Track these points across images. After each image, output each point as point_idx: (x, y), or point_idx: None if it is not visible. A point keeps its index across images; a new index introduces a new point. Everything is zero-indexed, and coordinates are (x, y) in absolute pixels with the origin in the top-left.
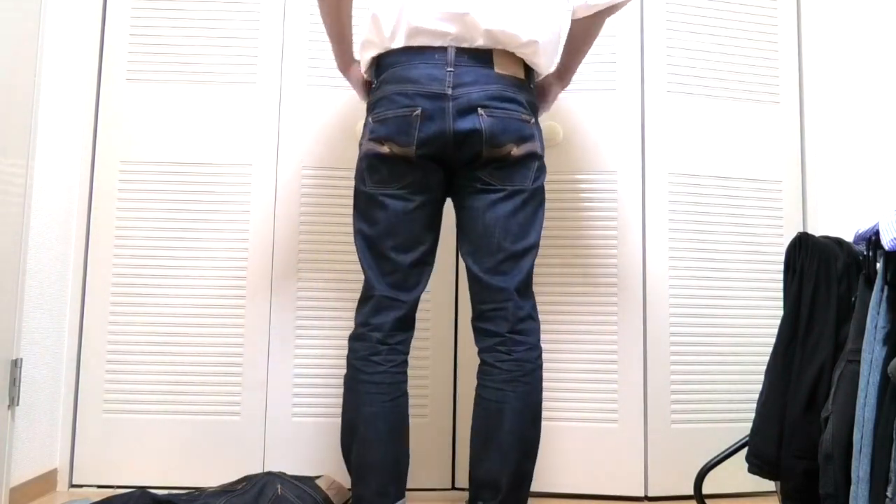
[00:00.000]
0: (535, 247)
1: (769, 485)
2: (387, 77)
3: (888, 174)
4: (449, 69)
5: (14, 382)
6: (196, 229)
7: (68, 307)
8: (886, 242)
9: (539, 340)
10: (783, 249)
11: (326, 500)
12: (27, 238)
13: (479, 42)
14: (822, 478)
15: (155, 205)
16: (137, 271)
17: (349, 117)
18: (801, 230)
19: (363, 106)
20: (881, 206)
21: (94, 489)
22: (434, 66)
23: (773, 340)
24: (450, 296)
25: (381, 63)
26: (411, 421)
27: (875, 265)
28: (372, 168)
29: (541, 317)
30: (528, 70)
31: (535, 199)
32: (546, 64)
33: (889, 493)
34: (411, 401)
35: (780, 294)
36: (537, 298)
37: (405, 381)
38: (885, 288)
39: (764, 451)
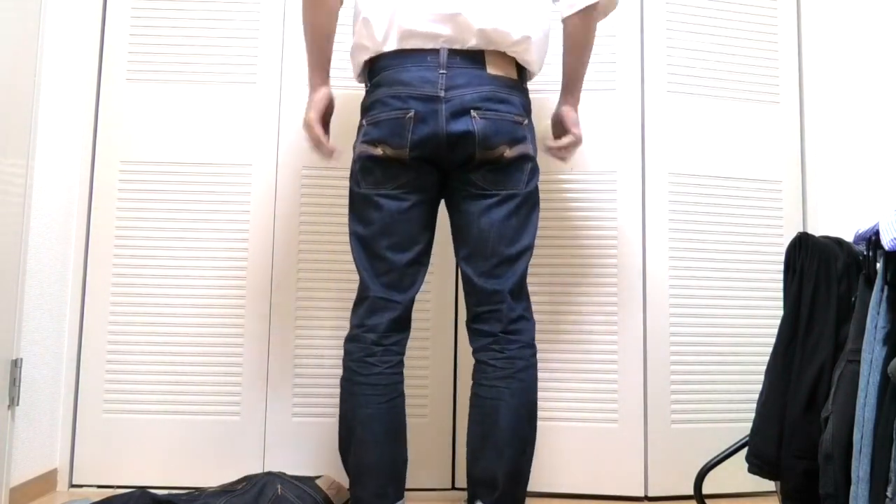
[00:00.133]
0: (529, 249)
1: (769, 485)
2: (380, 80)
3: (888, 174)
4: (441, 71)
5: (14, 382)
6: (196, 229)
7: (68, 307)
8: (886, 242)
9: (533, 339)
10: (783, 249)
11: (326, 500)
12: (27, 238)
13: (472, 42)
14: (822, 478)
15: (155, 205)
16: (137, 271)
17: (349, 117)
18: (801, 230)
19: None
20: (881, 206)
21: (94, 489)
22: (426, 68)
23: (773, 340)
24: (450, 296)
25: (374, 66)
26: (411, 421)
27: (875, 265)
28: (366, 170)
29: (541, 317)
30: (521, 70)
31: (529, 202)
32: (537, 61)
33: (889, 493)
34: (411, 401)
35: (780, 294)
36: (538, 298)
37: (401, 382)
38: (885, 288)
39: (764, 451)
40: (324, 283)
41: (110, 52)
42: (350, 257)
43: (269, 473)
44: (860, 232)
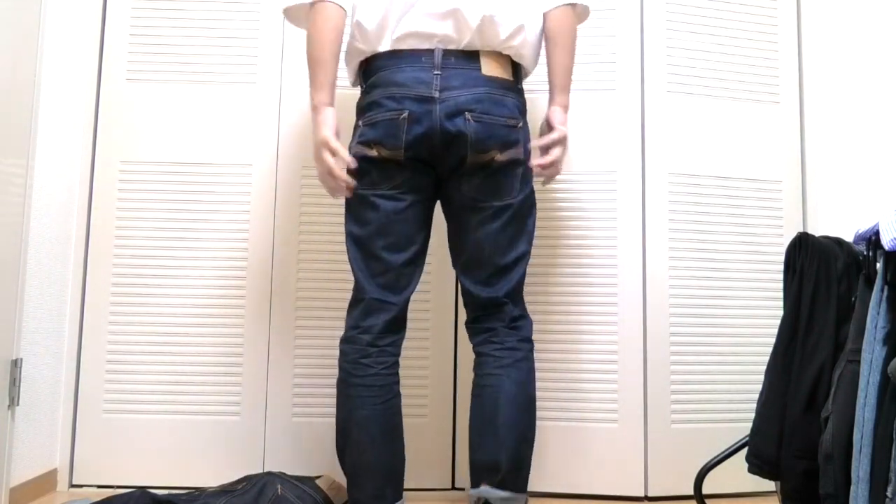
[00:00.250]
0: (525, 256)
1: (769, 485)
2: (375, 81)
3: (888, 174)
4: (436, 72)
5: (14, 382)
6: (196, 229)
7: (68, 307)
8: (886, 242)
9: (531, 334)
10: (783, 249)
11: (326, 500)
12: (27, 238)
13: (466, 42)
14: (822, 478)
15: (155, 205)
16: (137, 271)
17: (349, 117)
18: (801, 230)
19: None
20: (881, 206)
21: (94, 489)
22: (420, 68)
23: (773, 340)
24: (450, 296)
25: (369, 67)
26: (411, 421)
27: (875, 265)
28: (361, 171)
29: (541, 317)
30: (516, 70)
31: (523, 209)
32: (532, 57)
33: (889, 493)
34: (411, 401)
35: (780, 294)
36: (538, 298)
37: (397, 383)
38: (885, 288)
39: (764, 451)
40: (324, 282)
41: (110, 52)
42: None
43: (269, 473)
44: (860, 232)
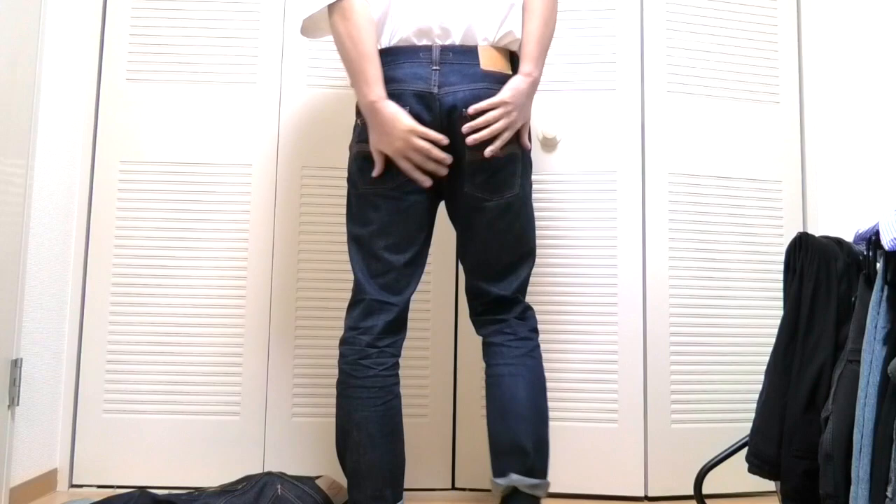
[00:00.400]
0: (533, 250)
1: (769, 485)
2: None
3: (888, 174)
4: (434, 68)
5: (14, 382)
6: (196, 229)
7: (68, 307)
8: (886, 242)
9: (537, 324)
10: (783, 249)
11: (326, 501)
12: (27, 238)
13: (463, 37)
14: (822, 478)
15: (155, 205)
16: (137, 271)
17: (349, 117)
18: (801, 230)
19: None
20: (881, 206)
21: (94, 489)
22: (419, 64)
23: (773, 340)
24: (450, 296)
25: None
26: (411, 421)
27: (875, 265)
28: (363, 169)
29: (541, 317)
30: (514, 64)
31: (526, 202)
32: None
33: (889, 493)
34: (411, 401)
35: (780, 294)
36: (539, 298)
37: (397, 384)
38: (885, 288)
39: (764, 450)
40: (324, 282)
41: (110, 52)
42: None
43: (269, 473)
44: (860, 232)
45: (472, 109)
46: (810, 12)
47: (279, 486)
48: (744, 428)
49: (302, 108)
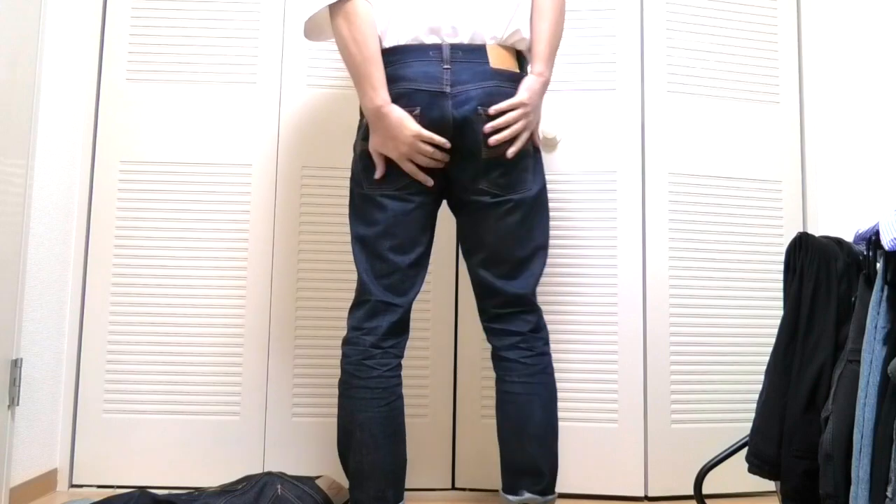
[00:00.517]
0: (545, 247)
1: (769, 485)
2: None
3: (888, 174)
4: (445, 66)
5: (14, 382)
6: (196, 229)
7: (68, 307)
8: (886, 242)
9: (548, 334)
10: (783, 249)
11: (326, 500)
12: (27, 238)
13: (472, 36)
14: (822, 478)
15: (155, 205)
16: (137, 271)
17: (349, 117)
18: (801, 230)
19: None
20: (881, 206)
21: (94, 489)
22: (429, 63)
23: (773, 340)
24: (450, 296)
25: None
26: (411, 421)
27: (875, 265)
28: (369, 169)
29: None
30: (521, 63)
31: (539, 200)
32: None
33: (889, 493)
34: (411, 401)
35: (780, 294)
36: (539, 297)
37: (400, 385)
38: (885, 288)
39: (764, 450)
40: (324, 282)
41: (110, 52)
42: (350, 257)
43: (269, 473)
44: (860, 232)
45: (493, 110)
46: (810, 12)
47: (279, 486)
48: (744, 428)
49: (302, 108)
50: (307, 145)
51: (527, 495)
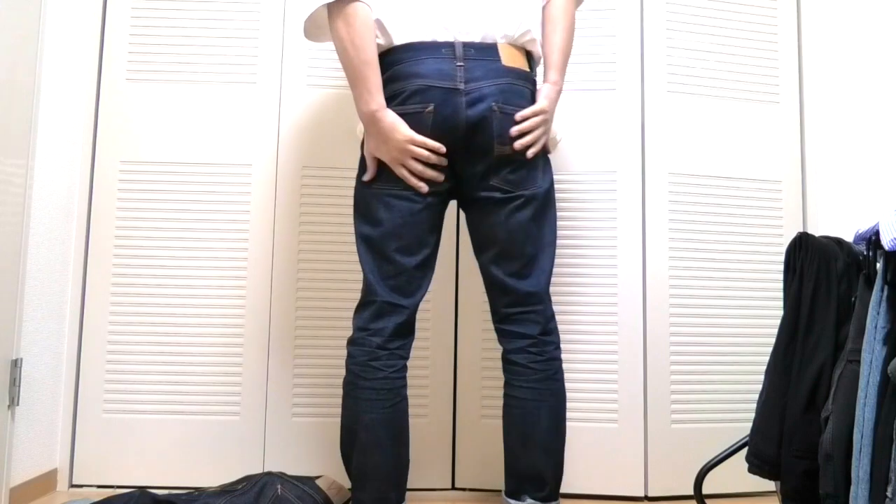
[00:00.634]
0: (554, 244)
1: (769, 485)
2: (392, 74)
3: (888, 174)
4: (459, 64)
5: (14, 382)
6: (196, 229)
7: (68, 307)
8: (886, 242)
9: (559, 337)
10: (783, 249)
11: (326, 501)
12: (27, 238)
13: (484, 34)
14: (822, 478)
15: (155, 205)
16: (137, 271)
17: (349, 117)
18: (801, 230)
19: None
20: (881, 206)
21: (94, 489)
22: (442, 60)
23: (773, 340)
24: (450, 297)
25: (384, 62)
26: (411, 421)
27: (875, 265)
28: (380, 167)
29: None
30: (530, 63)
31: (549, 197)
32: (538, 48)
33: (889, 493)
34: (412, 401)
35: (780, 294)
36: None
37: (405, 386)
38: (885, 288)
39: (764, 450)
40: (324, 282)
41: (110, 52)
42: (350, 257)
43: (269, 473)
44: (860, 232)
45: (519, 116)
46: (810, 12)
47: (279, 486)
48: (744, 428)
49: (302, 108)
50: (307, 145)
51: (529, 501)
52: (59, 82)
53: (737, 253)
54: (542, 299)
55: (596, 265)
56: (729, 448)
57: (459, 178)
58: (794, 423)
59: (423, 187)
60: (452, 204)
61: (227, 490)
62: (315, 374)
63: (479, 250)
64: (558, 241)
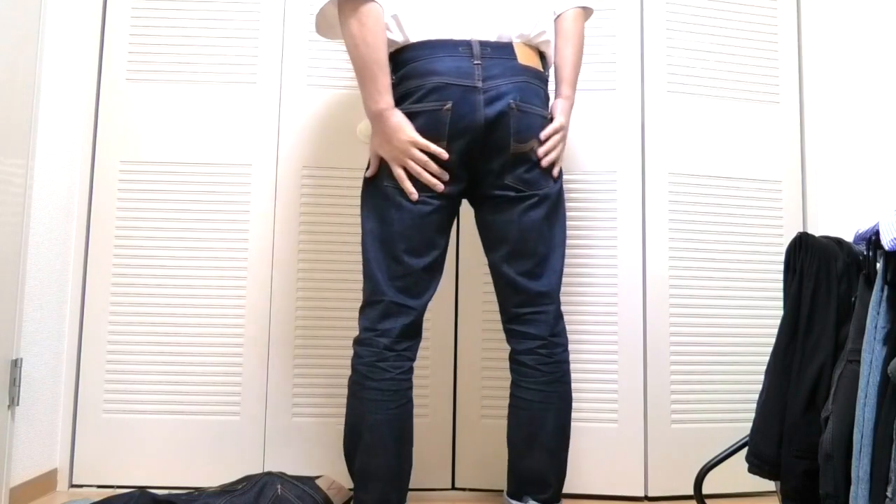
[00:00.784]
0: (565, 243)
1: (769, 485)
2: (408, 72)
3: (888, 174)
4: (476, 62)
5: (14, 382)
6: (196, 229)
7: (68, 307)
8: (886, 242)
9: (568, 339)
10: (783, 249)
11: (326, 500)
12: (27, 238)
13: (500, 33)
14: (822, 478)
15: (155, 205)
16: (137, 271)
17: (349, 117)
18: (801, 230)
19: (363, 106)
20: (881, 206)
21: (94, 489)
22: (459, 58)
23: (773, 340)
24: (450, 297)
25: (399, 59)
26: None
27: (875, 265)
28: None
29: None
30: (543, 62)
31: (560, 198)
32: (552, 53)
33: (889, 493)
34: None
35: (780, 294)
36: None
37: (410, 388)
38: (885, 288)
39: (764, 450)
40: (324, 282)
41: (110, 52)
42: (350, 257)
43: (269, 473)
44: (860, 232)
45: (544, 135)
46: (810, 12)
47: (279, 486)
48: (744, 428)
49: (302, 108)
50: (307, 145)
51: (531, 503)
52: (59, 82)
53: (737, 253)
54: (553, 300)
55: (596, 265)
56: (729, 448)
57: (474, 176)
58: (794, 423)
59: (414, 194)
60: None
61: (227, 490)
62: (315, 374)
63: (489, 249)
64: None
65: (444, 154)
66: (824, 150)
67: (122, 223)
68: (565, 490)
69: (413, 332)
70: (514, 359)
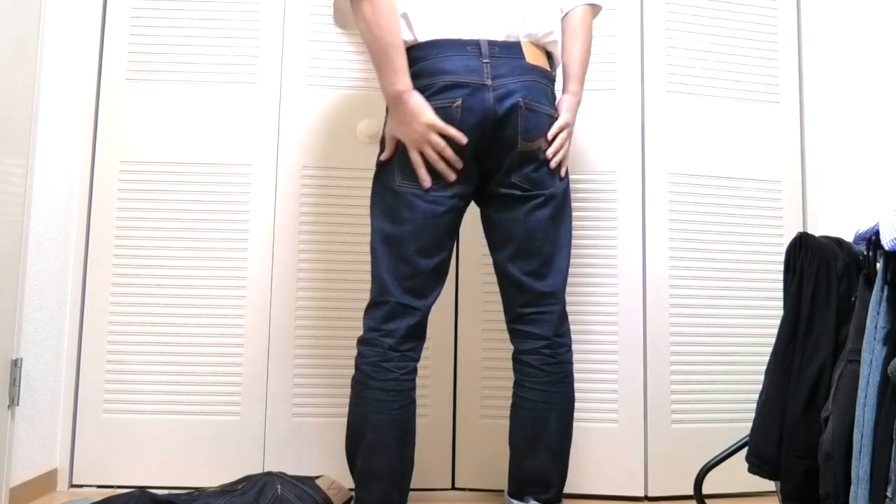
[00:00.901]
0: (570, 243)
1: (769, 485)
2: (417, 71)
3: (888, 174)
4: (485, 61)
5: (14, 382)
6: (196, 229)
7: (68, 307)
8: (886, 242)
9: (571, 341)
10: (783, 249)
11: (326, 500)
12: (27, 238)
13: (509, 32)
14: (822, 478)
15: (155, 205)
16: (137, 271)
17: (349, 117)
18: (801, 230)
19: (363, 106)
20: (881, 206)
21: (94, 489)
22: (469, 57)
23: (773, 340)
24: (450, 297)
25: (408, 58)
26: None
27: (875, 265)
28: (403, 163)
29: None
30: (550, 62)
31: (566, 198)
32: (559, 53)
33: (889, 493)
34: None
35: (780, 294)
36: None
37: (413, 389)
38: (885, 288)
39: (764, 450)
40: (324, 282)
41: (110, 52)
42: (350, 257)
43: (269, 473)
44: (860, 232)
45: (550, 135)
46: (810, 12)
47: (279, 486)
48: (744, 428)
49: (302, 108)
50: (307, 145)
51: (533, 503)
52: (59, 82)
53: (737, 253)
54: (558, 300)
55: (596, 265)
56: (729, 448)
57: (482, 174)
58: (794, 423)
59: (428, 182)
60: None
61: (227, 490)
62: (315, 374)
63: (495, 248)
64: None
65: (463, 138)
66: (824, 150)
67: (122, 223)
68: (565, 490)
69: (418, 333)
70: (517, 359)
